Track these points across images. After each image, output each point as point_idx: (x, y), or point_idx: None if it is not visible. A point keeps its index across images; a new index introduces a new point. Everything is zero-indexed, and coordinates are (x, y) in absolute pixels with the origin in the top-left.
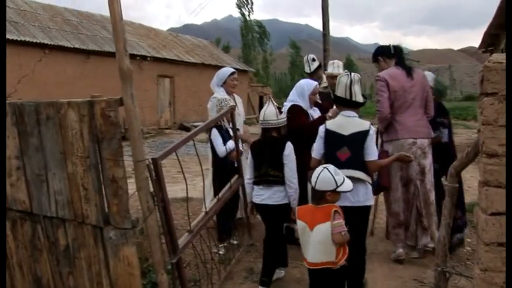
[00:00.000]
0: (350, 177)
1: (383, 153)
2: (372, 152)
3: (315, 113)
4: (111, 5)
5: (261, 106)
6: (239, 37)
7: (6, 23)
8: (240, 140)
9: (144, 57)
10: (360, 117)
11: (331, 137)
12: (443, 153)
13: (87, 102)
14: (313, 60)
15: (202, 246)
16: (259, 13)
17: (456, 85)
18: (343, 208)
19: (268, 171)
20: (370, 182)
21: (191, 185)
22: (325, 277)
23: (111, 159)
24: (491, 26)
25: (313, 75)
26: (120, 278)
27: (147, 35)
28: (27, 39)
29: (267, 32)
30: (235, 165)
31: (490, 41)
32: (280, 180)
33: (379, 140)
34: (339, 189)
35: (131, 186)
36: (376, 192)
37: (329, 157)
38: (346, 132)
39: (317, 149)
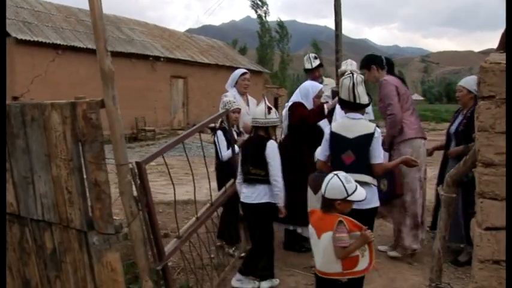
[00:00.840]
0: (355, 181)
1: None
2: (377, 155)
3: None
4: (91, 2)
5: (275, 107)
6: (257, 38)
7: (20, 23)
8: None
9: (157, 58)
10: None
11: (336, 140)
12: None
13: (69, 104)
14: (315, 58)
15: (195, 251)
16: (277, 14)
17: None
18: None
19: (250, 170)
20: (376, 184)
21: (197, 187)
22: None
23: (93, 163)
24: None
25: (314, 72)
26: (104, 284)
27: (161, 35)
28: (40, 39)
29: (289, 33)
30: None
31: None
32: (262, 179)
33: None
34: (349, 198)
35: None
36: (388, 200)
37: (334, 160)
38: (351, 135)
39: (322, 151)
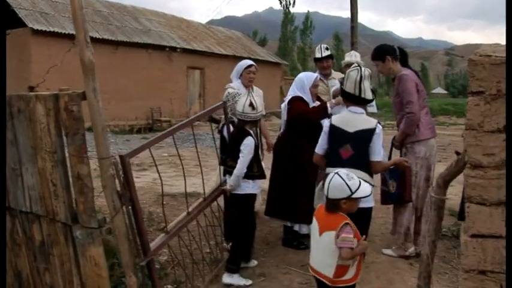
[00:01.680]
0: None
1: (407, 169)
2: (377, 152)
3: None
4: None
5: None
6: (279, 29)
7: (37, 14)
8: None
9: (174, 49)
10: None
11: (335, 133)
12: None
13: (52, 96)
14: (326, 49)
15: (190, 245)
16: (300, 6)
17: None
18: None
19: (227, 162)
20: (373, 183)
21: (205, 179)
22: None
23: (75, 156)
24: None
25: (322, 61)
26: (89, 278)
27: (179, 26)
28: (57, 30)
29: (313, 24)
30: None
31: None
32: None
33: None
34: (354, 195)
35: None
36: (396, 203)
37: (331, 154)
38: (351, 129)
39: (320, 144)
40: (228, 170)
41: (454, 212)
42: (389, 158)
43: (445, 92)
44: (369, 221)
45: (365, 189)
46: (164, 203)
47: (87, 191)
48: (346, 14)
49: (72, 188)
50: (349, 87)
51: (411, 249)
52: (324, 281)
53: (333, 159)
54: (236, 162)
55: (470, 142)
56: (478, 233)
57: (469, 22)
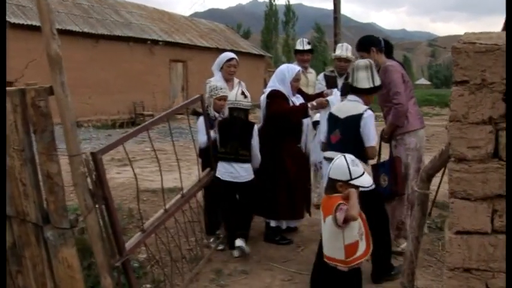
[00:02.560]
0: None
1: (397, 160)
2: (368, 138)
3: (298, 101)
4: None
5: None
6: (263, 22)
7: (14, 7)
8: None
9: (155, 42)
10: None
11: (330, 120)
12: None
13: (18, 91)
14: (308, 43)
15: (169, 243)
16: None
17: None
18: None
19: (239, 151)
20: (367, 169)
21: (187, 173)
22: (331, 276)
23: (44, 154)
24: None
25: (303, 54)
26: (62, 280)
27: (161, 18)
28: (34, 23)
29: (296, 16)
30: None
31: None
32: (247, 159)
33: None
34: (353, 181)
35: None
36: (389, 198)
37: (326, 140)
38: (342, 115)
39: (323, 131)
40: (242, 159)
41: (438, 204)
42: (379, 152)
43: (429, 82)
44: (373, 204)
45: (366, 179)
46: (145, 198)
47: (58, 190)
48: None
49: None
50: (350, 78)
51: (403, 245)
52: (339, 265)
53: (326, 144)
54: (248, 150)
55: (455, 134)
56: (463, 229)
57: (452, 14)
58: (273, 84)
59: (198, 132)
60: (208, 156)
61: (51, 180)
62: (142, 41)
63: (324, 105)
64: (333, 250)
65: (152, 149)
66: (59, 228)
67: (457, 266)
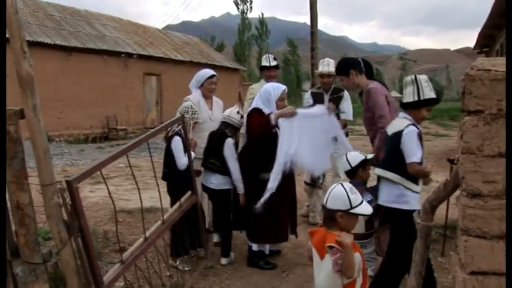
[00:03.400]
0: (380, 177)
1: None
2: (408, 154)
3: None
4: None
5: None
6: (236, 35)
7: None
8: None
9: (130, 55)
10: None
11: (385, 137)
12: None
13: None
14: (274, 59)
15: (148, 271)
16: (257, 11)
17: (453, 85)
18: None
19: (209, 159)
20: (405, 185)
21: (163, 191)
22: None
23: (14, 182)
24: (485, 26)
25: (270, 70)
26: None
27: (135, 31)
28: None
29: (268, 29)
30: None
31: (484, 42)
32: (216, 169)
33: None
34: (353, 210)
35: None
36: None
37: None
38: (389, 132)
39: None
40: (210, 167)
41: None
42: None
43: (400, 95)
44: (401, 225)
45: (366, 208)
46: (120, 220)
47: (29, 222)
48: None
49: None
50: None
51: None
52: None
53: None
54: (217, 160)
55: (468, 168)
56: (478, 269)
57: (421, 28)
58: (256, 104)
59: (178, 155)
60: (175, 179)
61: (21, 211)
62: (116, 54)
63: (293, 114)
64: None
65: (128, 166)
66: (30, 263)
67: None
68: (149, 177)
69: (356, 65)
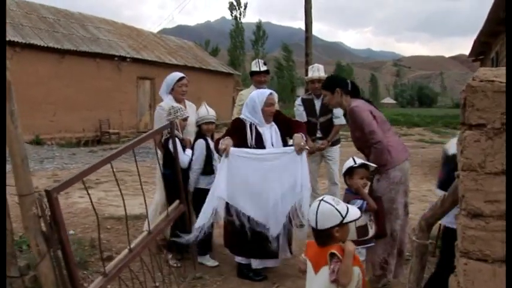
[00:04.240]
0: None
1: (379, 201)
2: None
3: (271, 130)
4: None
5: None
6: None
7: None
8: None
9: (123, 58)
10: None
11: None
12: None
13: None
14: (264, 64)
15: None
16: (252, 16)
17: (447, 92)
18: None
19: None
20: None
21: (151, 198)
22: None
23: None
24: (481, 34)
25: (260, 76)
26: None
27: (129, 35)
28: None
29: (265, 34)
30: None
31: (480, 49)
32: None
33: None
34: (346, 220)
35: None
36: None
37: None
38: (450, 151)
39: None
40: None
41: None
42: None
43: (394, 101)
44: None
45: (354, 212)
46: (109, 227)
47: (6, 234)
48: (298, 24)
49: None
50: None
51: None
52: None
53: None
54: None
55: (469, 186)
56: None
57: (416, 34)
58: (243, 113)
59: (181, 154)
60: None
61: None
62: (109, 57)
63: (224, 150)
64: None
65: (119, 170)
66: (6, 276)
67: None
68: (138, 183)
69: (343, 85)
